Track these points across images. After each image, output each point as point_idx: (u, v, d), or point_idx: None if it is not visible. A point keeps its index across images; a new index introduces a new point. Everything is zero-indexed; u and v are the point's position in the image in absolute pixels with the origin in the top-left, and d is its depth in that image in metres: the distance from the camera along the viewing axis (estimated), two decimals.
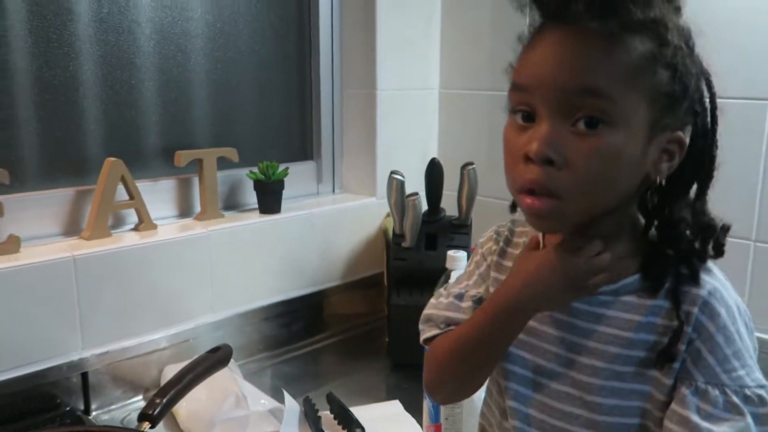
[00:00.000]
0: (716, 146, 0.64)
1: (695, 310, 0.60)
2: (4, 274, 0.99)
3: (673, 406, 0.60)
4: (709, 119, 0.64)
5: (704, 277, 0.61)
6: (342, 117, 1.54)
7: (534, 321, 0.67)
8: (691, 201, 0.64)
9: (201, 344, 1.19)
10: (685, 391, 0.60)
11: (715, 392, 0.59)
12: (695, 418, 0.58)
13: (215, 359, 1.00)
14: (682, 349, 0.60)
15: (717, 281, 0.62)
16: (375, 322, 1.51)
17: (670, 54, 0.57)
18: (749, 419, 0.58)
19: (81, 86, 1.16)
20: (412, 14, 1.51)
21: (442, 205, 1.38)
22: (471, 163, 1.28)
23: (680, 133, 0.61)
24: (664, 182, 0.64)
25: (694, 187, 0.64)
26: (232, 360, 1.10)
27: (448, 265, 1.14)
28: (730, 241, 1.23)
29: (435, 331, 0.74)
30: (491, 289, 0.72)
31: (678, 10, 0.60)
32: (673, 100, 0.59)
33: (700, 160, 0.63)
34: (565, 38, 0.57)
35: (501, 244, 0.74)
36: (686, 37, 0.60)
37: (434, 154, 1.60)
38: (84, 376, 1.09)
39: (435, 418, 0.96)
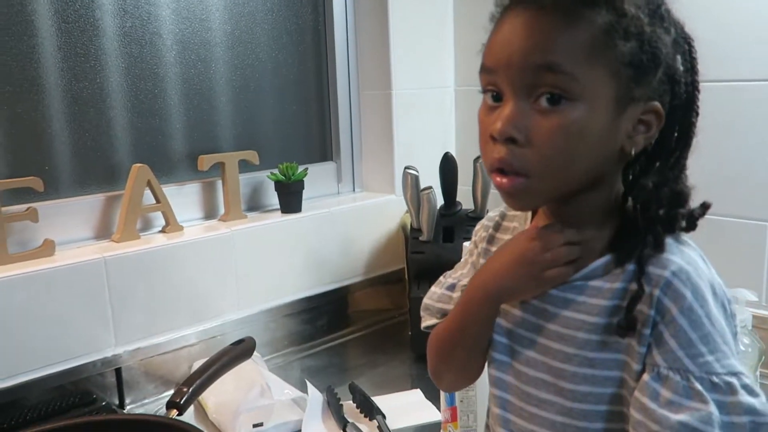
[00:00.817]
0: (696, 113, 0.62)
1: (657, 291, 0.58)
2: (40, 276, 1.05)
3: (635, 392, 0.58)
4: (689, 86, 0.62)
5: (670, 257, 0.59)
6: (360, 118, 1.58)
7: (511, 306, 0.67)
8: (667, 169, 0.62)
9: (228, 340, 1.22)
10: (646, 376, 0.58)
11: (676, 378, 0.57)
12: (652, 405, 0.56)
13: (239, 351, 1.05)
14: (644, 318, 0.58)
15: (685, 260, 0.59)
16: (398, 317, 1.54)
17: (631, 24, 0.56)
18: (712, 408, 0.55)
19: (108, 97, 1.23)
20: (425, 16, 1.54)
21: (460, 198, 1.41)
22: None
23: (656, 104, 0.60)
24: (645, 153, 0.63)
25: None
26: (257, 353, 1.15)
27: (463, 255, 1.17)
28: (747, 223, 1.23)
29: (433, 320, 0.76)
30: (481, 261, 0.73)
31: None
32: (641, 71, 0.58)
33: (681, 129, 0.62)
34: (524, 18, 0.58)
35: (491, 230, 0.75)
36: (653, 4, 0.59)
37: (452, 150, 1.62)
38: (118, 371, 1.15)
39: (450, 401, 0.99)
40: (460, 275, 0.78)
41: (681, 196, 0.61)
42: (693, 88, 0.62)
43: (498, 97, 0.60)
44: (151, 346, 1.18)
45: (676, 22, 0.62)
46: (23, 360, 1.05)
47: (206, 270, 1.25)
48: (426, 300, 0.79)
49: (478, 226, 0.77)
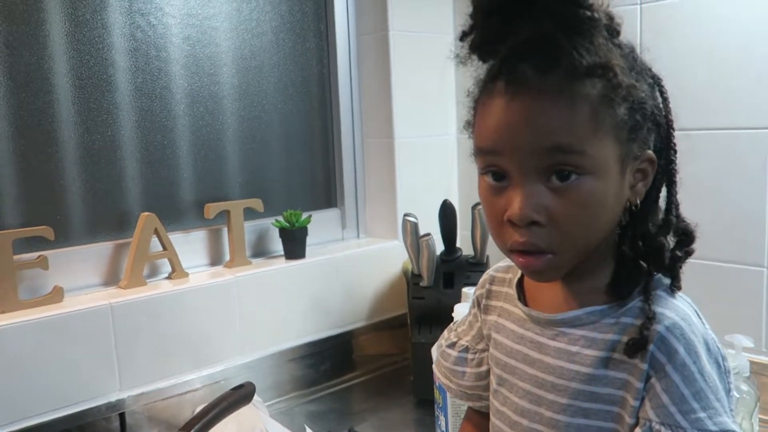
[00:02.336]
0: (674, 150, 0.63)
1: (650, 346, 0.58)
2: (48, 322, 1.09)
3: None
4: (664, 125, 0.63)
5: (664, 311, 0.60)
6: (364, 165, 1.62)
7: (505, 355, 0.70)
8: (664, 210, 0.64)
9: (231, 385, 1.24)
10: (638, 431, 0.58)
11: None
12: None
13: (239, 396, 1.07)
14: (639, 372, 0.59)
15: (679, 315, 0.60)
16: (402, 361, 1.55)
17: (625, 92, 0.57)
18: None
19: (118, 149, 1.28)
20: (427, 65, 1.59)
21: (461, 244, 1.43)
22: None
23: (649, 152, 0.61)
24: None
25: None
26: (258, 398, 1.17)
27: (463, 300, 1.19)
28: (744, 269, 1.24)
29: (447, 385, 0.82)
30: (484, 331, 0.76)
31: (616, 34, 0.60)
32: (636, 128, 0.59)
33: (665, 167, 0.63)
34: (520, 98, 0.57)
35: (487, 285, 0.77)
36: (630, 60, 0.60)
37: (455, 197, 1.66)
38: (122, 416, 1.17)
39: None
40: (460, 332, 0.81)
41: (688, 232, 0.63)
42: (668, 126, 0.64)
43: (500, 176, 0.59)
44: (156, 391, 1.20)
45: (646, 65, 0.63)
46: (31, 404, 1.07)
47: (211, 315, 1.28)
48: (436, 354, 0.84)
49: (477, 284, 0.80)
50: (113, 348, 1.15)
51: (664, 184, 0.64)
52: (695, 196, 0.67)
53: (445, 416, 1.10)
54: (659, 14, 1.26)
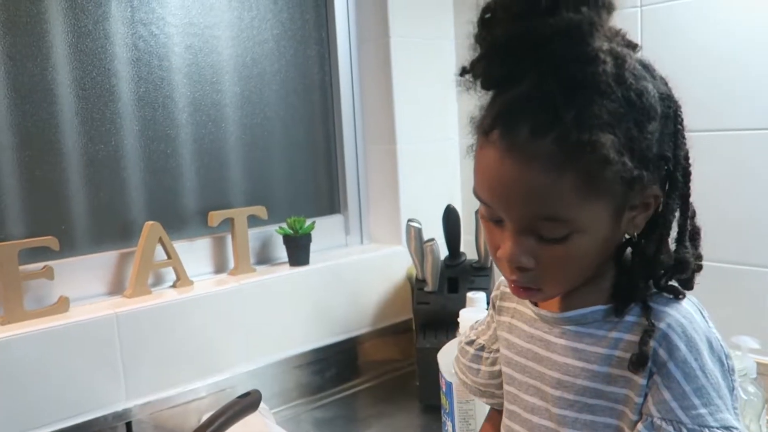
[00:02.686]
0: (688, 181, 0.63)
1: (653, 342, 0.59)
2: (54, 332, 1.09)
3: None
4: (677, 149, 0.62)
5: (666, 309, 0.61)
6: (366, 171, 1.62)
7: (515, 354, 0.72)
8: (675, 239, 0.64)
9: (237, 392, 1.24)
10: (640, 425, 0.60)
11: (669, 428, 0.58)
12: None
13: (245, 404, 1.06)
14: (650, 352, 0.59)
15: (681, 313, 0.61)
16: (407, 367, 1.55)
17: (617, 168, 0.55)
18: None
19: (122, 158, 1.28)
20: (428, 71, 1.60)
21: (464, 249, 1.43)
22: None
23: (654, 188, 0.61)
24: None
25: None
26: (264, 405, 1.17)
27: (467, 305, 1.19)
28: (749, 270, 1.24)
29: (463, 380, 0.85)
30: (498, 332, 0.78)
31: (618, 86, 0.56)
32: (634, 181, 0.58)
33: (681, 200, 0.63)
34: (512, 158, 0.56)
35: (502, 287, 0.80)
36: (634, 109, 0.57)
37: (458, 201, 1.66)
38: (128, 425, 1.17)
39: None
40: (479, 331, 0.84)
41: (683, 263, 0.63)
42: (684, 158, 0.63)
43: (496, 220, 0.62)
44: (161, 400, 1.20)
45: (661, 94, 0.60)
46: (37, 414, 1.08)
47: (216, 323, 1.28)
48: (456, 352, 0.86)
49: (494, 288, 0.82)
50: (119, 357, 1.16)
51: (675, 212, 0.64)
52: (701, 198, 0.67)
53: (452, 422, 1.10)
54: (660, 17, 1.26)
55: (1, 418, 1.05)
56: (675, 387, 0.59)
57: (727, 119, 1.21)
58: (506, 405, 0.74)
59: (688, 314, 0.61)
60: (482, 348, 0.82)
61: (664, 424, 0.58)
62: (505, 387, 0.74)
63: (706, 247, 0.67)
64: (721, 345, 0.62)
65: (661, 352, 0.60)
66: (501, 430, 0.75)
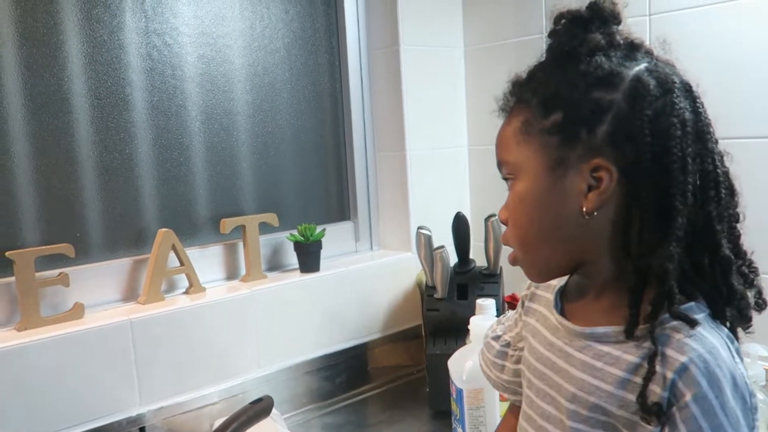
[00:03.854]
0: (687, 178, 0.60)
1: (671, 374, 0.58)
2: (69, 338, 1.11)
3: None
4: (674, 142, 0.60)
5: (690, 342, 0.59)
6: (376, 178, 1.64)
7: (540, 364, 0.72)
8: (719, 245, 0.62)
9: (249, 398, 1.25)
10: None
11: None
12: None
13: (257, 409, 1.08)
14: (657, 398, 0.58)
15: (706, 348, 0.59)
16: (417, 373, 1.56)
17: (546, 102, 0.65)
18: None
19: (136, 166, 1.30)
20: (437, 78, 1.61)
21: (474, 256, 1.44)
22: (493, 215, 1.35)
23: (597, 159, 0.60)
24: (642, 229, 0.62)
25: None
26: (276, 410, 1.18)
27: (477, 311, 1.20)
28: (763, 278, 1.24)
29: (488, 374, 0.87)
30: (523, 332, 0.79)
31: (573, 57, 0.64)
32: (569, 135, 0.62)
33: (665, 190, 0.60)
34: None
35: (533, 288, 0.80)
36: (582, 74, 0.62)
37: (467, 208, 1.67)
38: (142, 430, 1.18)
39: None
40: (506, 327, 0.85)
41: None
42: (682, 143, 0.61)
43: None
44: (175, 405, 1.22)
45: (640, 74, 0.61)
46: (52, 419, 1.09)
47: (228, 329, 1.29)
48: (483, 345, 0.89)
49: (526, 287, 0.83)
50: (133, 363, 1.17)
51: (659, 203, 0.61)
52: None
53: (463, 428, 1.11)
54: (668, 25, 1.27)
55: (17, 422, 1.06)
56: (692, 423, 0.57)
57: (734, 127, 1.21)
58: (524, 407, 0.75)
59: (713, 349, 0.59)
60: (508, 345, 0.83)
61: None
62: (524, 389, 0.75)
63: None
64: (746, 382, 0.60)
65: (681, 385, 0.58)
66: (517, 430, 0.75)
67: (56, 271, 1.18)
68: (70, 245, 1.18)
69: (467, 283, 1.37)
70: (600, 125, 0.61)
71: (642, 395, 0.59)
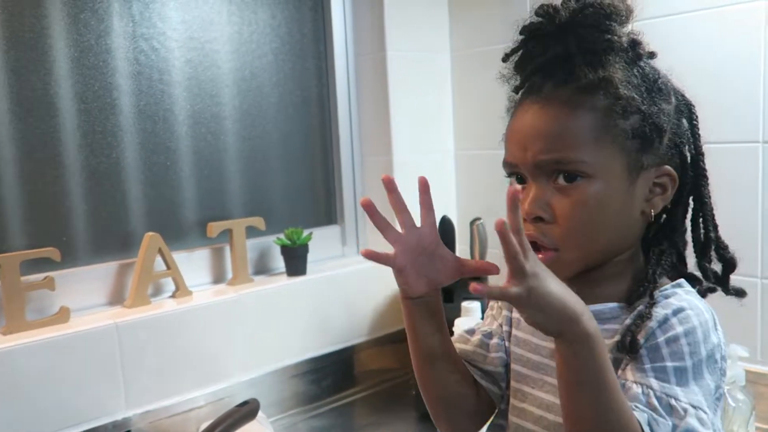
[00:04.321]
0: (702, 173, 0.69)
1: (654, 323, 0.62)
2: (55, 342, 1.11)
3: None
4: (692, 147, 0.69)
5: (675, 301, 0.64)
6: (363, 182, 1.65)
7: (535, 354, 0.73)
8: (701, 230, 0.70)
9: (236, 401, 1.26)
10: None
11: (637, 390, 0.60)
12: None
13: (243, 412, 1.08)
14: (651, 326, 0.62)
15: (690, 305, 0.63)
16: (403, 376, 1.56)
17: (627, 104, 0.64)
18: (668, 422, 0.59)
19: (123, 170, 1.30)
20: (424, 83, 1.62)
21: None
22: (479, 218, 1.36)
23: (667, 167, 0.66)
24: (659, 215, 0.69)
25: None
26: (262, 413, 1.19)
27: (462, 314, 1.21)
28: (737, 280, 1.27)
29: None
30: (504, 327, 0.79)
31: (638, 58, 0.67)
32: (646, 141, 0.65)
33: (693, 187, 0.69)
34: (532, 112, 0.66)
35: None
36: (650, 80, 0.66)
37: (453, 212, 1.68)
38: None
39: None
40: (478, 324, 0.84)
41: (727, 260, 0.71)
42: (696, 150, 0.69)
43: (522, 180, 0.68)
44: (161, 409, 1.22)
45: (676, 90, 0.70)
46: (38, 423, 1.09)
47: (214, 333, 1.29)
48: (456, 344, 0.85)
49: None
50: (119, 366, 1.17)
51: (690, 206, 0.70)
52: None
53: None
54: (650, 32, 1.29)
55: (2, 427, 1.06)
56: (658, 360, 0.61)
57: (714, 133, 1.23)
58: (514, 403, 0.74)
59: (696, 308, 0.63)
60: (489, 335, 0.80)
61: (633, 387, 0.60)
62: (514, 384, 0.75)
63: (691, 258, 0.71)
64: (722, 346, 0.64)
65: (658, 332, 0.62)
66: (509, 427, 0.75)
67: (42, 275, 1.18)
68: (56, 249, 1.18)
69: (452, 286, 1.38)
70: (665, 134, 0.66)
71: (633, 332, 0.62)
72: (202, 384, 1.28)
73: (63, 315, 1.17)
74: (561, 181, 0.64)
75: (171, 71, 1.36)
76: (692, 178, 0.69)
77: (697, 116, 0.70)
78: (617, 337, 0.65)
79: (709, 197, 0.70)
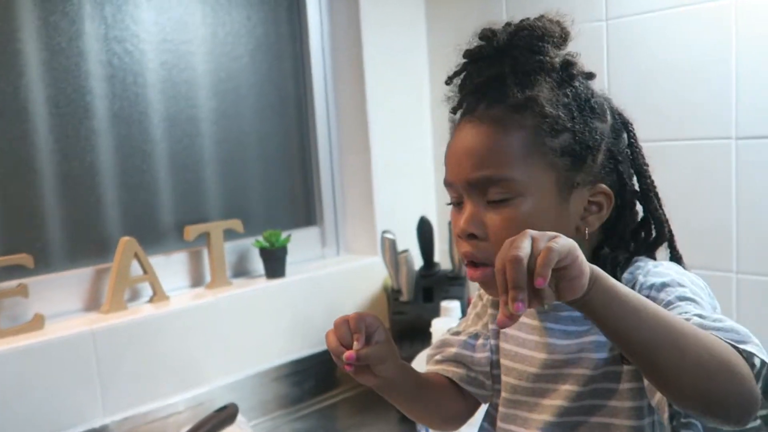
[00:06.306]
0: (651, 186, 0.71)
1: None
2: (29, 350, 1.09)
3: None
4: (634, 164, 0.70)
5: (640, 278, 0.67)
6: (342, 183, 1.64)
7: (521, 347, 0.74)
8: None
9: (216, 406, 1.25)
10: None
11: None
12: None
13: (222, 418, 1.08)
14: None
15: (660, 267, 0.67)
16: None
17: (554, 122, 0.65)
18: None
19: (97, 174, 1.29)
20: (402, 82, 1.62)
21: (439, 259, 1.45)
22: None
23: (602, 186, 0.67)
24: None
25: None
26: (242, 418, 1.18)
27: (442, 314, 1.21)
28: (712, 275, 1.29)
29: (430, 366, 0.84)
30: (490, 325, 0.79)
31: (570, 78, 0.68)
32: (577, 159, 0.66)
33: (644, 200, 0.71)
34: (466, 131, 0.68)
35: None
36: (580, 100, 0.68)
37: (433, 212, 1.68)
38: None
39: None
40: (464, 325, 0.84)
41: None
42: (637, 166, 0.71)
43: (458, 202, 0.69)
44: (139, 415, 1.21)
45: (613, 109, 0.71)
46: None
47: (193, 337, 1.28)
48: (428, 351, 0.86)
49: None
50: (96, 373, 1.16)
51: (639, 215, 0.72)
52: (663, 205, 0.73)
53: (427, 429, 1.12)
54: (624, 30, 1.30)
55: None
56: (652, 281, 0.65)
57: (688, 129, 1.25)
58: (504, 410, 0.75)
59: (664, 264, 0.68)
60: (476, 336, 0.81)
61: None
62: (507, 395, 0.75)
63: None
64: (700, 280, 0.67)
65: (654, 295, 0.64)
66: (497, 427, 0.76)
67: (15, 282, 1.16)
68: (29, 255, 1.16)
69: (432, 286, 1.39)
70: (598, 153, 0.67)
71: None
72: (182, 389, 1.27)
73: (37, 322, 1.15)
74: (493, 197, 0.65)
75: (145, 74, 1.34)
76: (640, 193, 0.71)
77: (634, 134, 0.72)
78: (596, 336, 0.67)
79: (661, 208, 0.73)
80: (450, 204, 0.71)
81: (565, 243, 0.53)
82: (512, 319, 0.53)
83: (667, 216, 0.74)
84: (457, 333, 0.83)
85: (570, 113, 0.66)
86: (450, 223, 1.37)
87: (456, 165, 0.68)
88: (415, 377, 0.77)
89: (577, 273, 0.53)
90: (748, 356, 0.55)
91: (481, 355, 0.80)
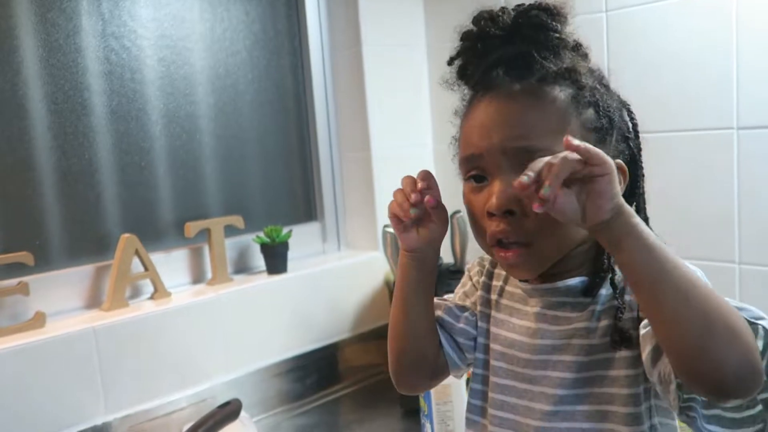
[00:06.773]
0: (641, 166, 0.70)
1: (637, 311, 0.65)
2: (30, 348, 1.09)
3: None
4: (634, 144, 0.70)
5: None
6: (342, 178, 1.64)
7: (515, 332, 0.73)
8: None
9: (218, 402, 1.24)
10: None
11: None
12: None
13: (225, 413, 1.07)
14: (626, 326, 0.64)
15: None
16: (387, 372, 1.55)
17: (589, 94, 0.65)
18: None
19: (96, 172, 1.28)
20: (401, 78, 1.62)
21: (441, 253, 1.44)
22: (458, 212, 1.36)
23: (619, 161, 0.67)
24: None
25: None
26: (245, 414, 1.18)
27: None
28: (714, 265, 1.28)
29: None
30: (478, 307, 0.78)
31: (586, 56, 0.69)
32: (602, 134, 0.66)
33: (633, 183, 0.70)
34: (496, 104, 0.65)
35: (487, 266, 0.79)
36: (599, 77, 0.69)
37: None
38: None
39: None
40: (451, 299, 0.82)
41: None
42: (637, 148, 0.70)
43: (480, 178, 0.66)
44: (141, 412, 1.20)
45: (614, 91, 0.71)
46: (14, 431, 1.07)
47: (195, 334, 1.28)
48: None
49: (470, 264, 0.83)
50: (97, 371, 1.15)
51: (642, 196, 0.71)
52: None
53: (431, 423, 1.12)
54: (625, 21, 1.30)
55: None
56: None
57: (689, 120, 1.24)
58: (495, 396, 0.73)
59: None
60: (464, 309, 0.79)
61: None
62: (495, 363, 0.73)
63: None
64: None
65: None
66: (488, 416, 0.74)
67: (15, 281, 1.15)
68: (29, 253, 1.15)
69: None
70: (615, 128, 0.67)
71: (617, 331, 0.64)
72: (184, 386, 1.26)
73: (38, 320, 1.15)
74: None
75: (143, 70, 1.34)
76: (635, 173, 0.70)
77: (634, 115, 0.71)
78: (590, 322, 0.67)
79: (643, 192, 0.72)
80: (467, 180, 0.67)
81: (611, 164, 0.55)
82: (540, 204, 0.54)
83: (669, 207, 0.75)
84: (445, 300, 0.82)
85: (598, 87, 0.67)
86: (450, 217, 1.38)
87: (485, 137, 0.64)
88: (432, 286, 0.76)
89: (604, 188, 0.54)
90: (756, 330, 0.55)
91: (464, 326, 0.78)
